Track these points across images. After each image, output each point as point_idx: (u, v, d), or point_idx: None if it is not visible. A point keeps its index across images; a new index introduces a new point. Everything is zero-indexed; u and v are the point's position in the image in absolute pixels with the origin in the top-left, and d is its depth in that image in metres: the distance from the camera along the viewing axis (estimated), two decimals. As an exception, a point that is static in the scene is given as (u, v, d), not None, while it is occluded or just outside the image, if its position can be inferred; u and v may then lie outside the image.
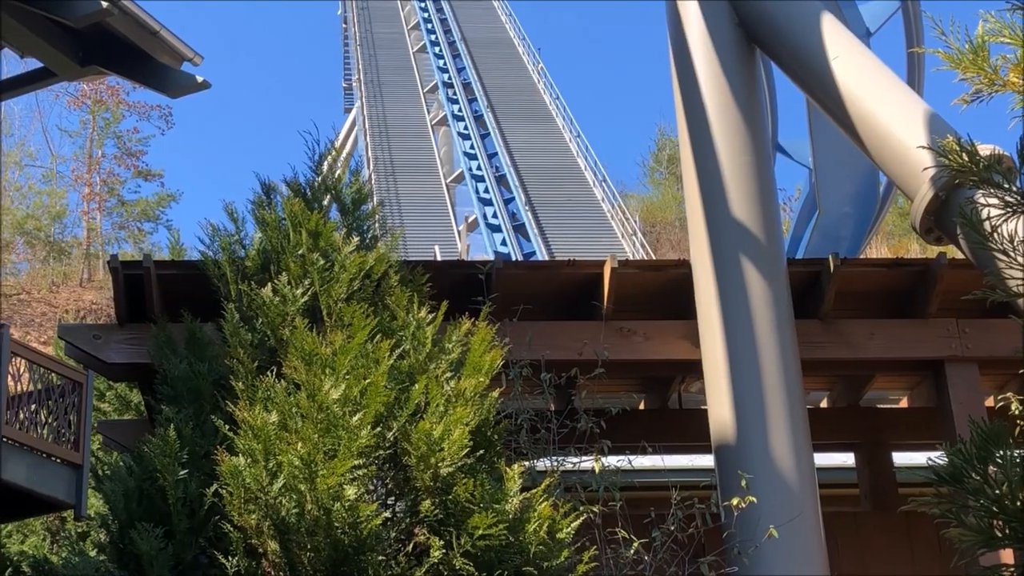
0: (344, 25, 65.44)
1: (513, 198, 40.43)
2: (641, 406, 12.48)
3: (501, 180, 41.89)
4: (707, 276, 9.62)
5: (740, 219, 9.61)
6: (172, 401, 7.09)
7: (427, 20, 57.28)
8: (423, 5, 59.37)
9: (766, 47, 9.96)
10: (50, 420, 10.47)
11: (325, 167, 7.89)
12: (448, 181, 43.55)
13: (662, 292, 10.33)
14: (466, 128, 46.11)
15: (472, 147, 44.40)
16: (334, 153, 8.06)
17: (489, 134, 45.51)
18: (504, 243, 36.82)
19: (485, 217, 38.86)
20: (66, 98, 47.23)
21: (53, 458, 10.38)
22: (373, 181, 40.65)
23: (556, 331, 9.80)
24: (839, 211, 16.64)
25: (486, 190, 41.07)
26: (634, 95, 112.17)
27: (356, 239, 7.27)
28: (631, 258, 32.00)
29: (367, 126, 46.87)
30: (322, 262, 7.11)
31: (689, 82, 10.12)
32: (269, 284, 7.17)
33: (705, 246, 9.71)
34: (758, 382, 9.17)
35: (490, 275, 9.51)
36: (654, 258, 35.38)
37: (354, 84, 53.73)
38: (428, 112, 49.41)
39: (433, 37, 55.18)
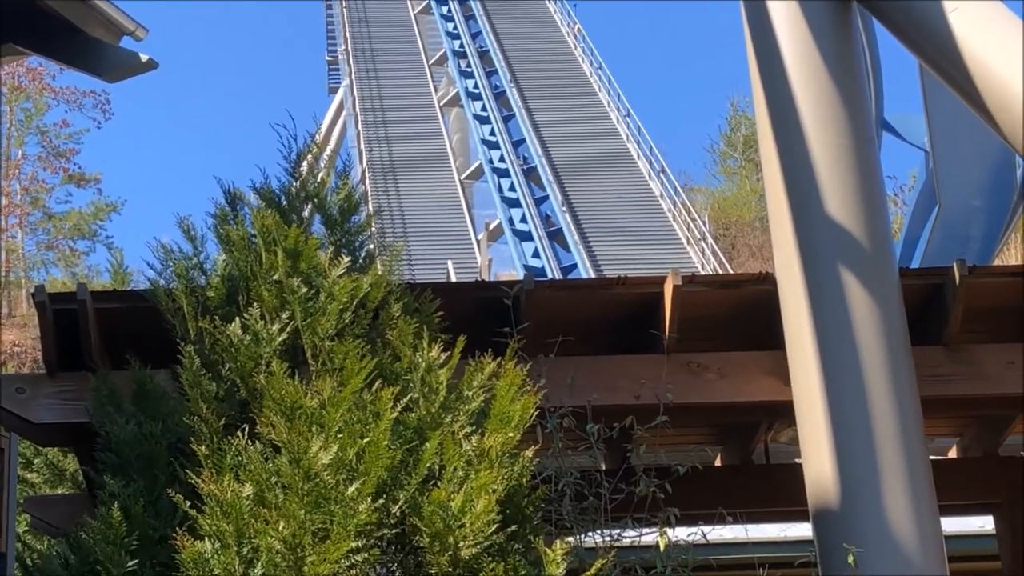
0: (325, -19, 66.00)
1: (547, 197, 40.57)
2: (717, 462, 12.47)
3: (531, 174, 42.05)
4: (797, 294, 9.61)
5: (838, 219, 9.60)
6: (117, 471, 7.13)
7: (431, -27, 57.66)
8: (426, -46, 59.78)
9: (866, 1, 9.97)
10: (-36, 495, 10.54)
11: (304, 168, 7.95)
12: (463, 177, 43.76)
13: (740, 315, 10.33)
14: (484, 109, 46.37)
15: (493, 133, 44.64)
16: (315, 150, 8.12)
17: (514, 116, 45.75)
18: (537, 255, 36.90)
19: (511, 222, 38.96)
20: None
21: (-33, 546, 10.45)
22: (367, 181, 40.87)
23: (605, 369, 9.81)
24: (966, 205, 16.56)
25: (512, 188, 41.21)
26: (697, 62, 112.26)
27: (346, 259, 7.31)
28: (699, 271, 32.05)
29: (358, 110, 47.23)
30: (304, 289, 7.15)
31: (767, 47, 10.13)
32: (237, 319, 7.22)
33: (794, 255, 9.70)
34: (867, 428, 9.14)
35: (518, 299, 9.53)
36: (728, 271, 35.37)
37: (340, 56, 54.07)
38: (435, 90, 49.73)
39: (440, -6, 55.58)
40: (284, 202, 7.82)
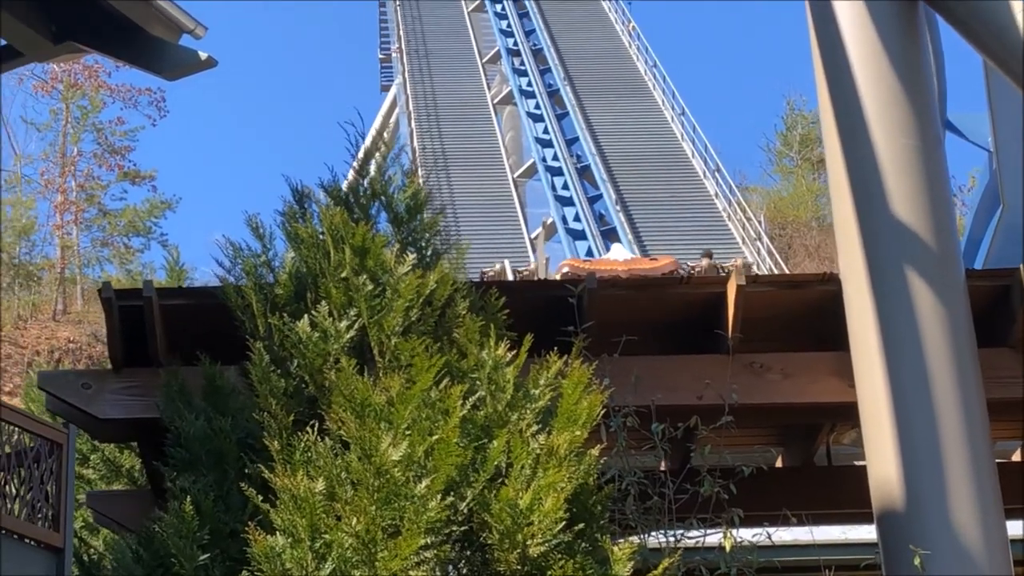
0: (378, -22, 66.16)
1: (600, 195, 40.50)
2: (778, 463, 12.46)
3: (584, 173, 41.99)
4: (862, 294, 9.59)
5: (904, 219, 9.58)
6: (188, 467, 7.23)
7: (485, -31, 57.66)
8: (479, -49, 59.81)
9: (937, 3, 9.93)
10: (22, 491, 10.63)
11: (372, 167, 8.02)
12: (516, 175, 43.73)
13: (804, 316, 10.33)
14: (538, 107, 46.33)
15: (546, 131, 44.59)
16: (383, 148, 8.19)
17: (568, 114, 45.68)
18: (590, 253, 36.83)
19: (565, 221, 38.94)
20: (32, 82, 48.08)
21: (26, 540, 10.55)
22: (419, 178, 40.81)
23: (668, 368, 9.84)
24: (1030, 202, 16.48)
25: (565, 186, 41.17)
26: (753, 59, 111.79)
27: (412, 256, 7.38)
28: (755, 271, 31.88)
29: (411, 107, 47.28)
30: (371, 286, 7.22)
31: (832, 45, 10.12)
32: (305, 316, 7.30)
33: (859, 255, 9.68)
34: (932, 430, 9.11)
35: (581, 298, 9.58)
36: (784, 271, 35.24)
37: (393, 55, 54.19)
38: (489, 88, 49.72)
39: (493, -10, 55.54)
40: (351, 200, 7.89)
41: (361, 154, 8.18)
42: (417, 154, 43.43)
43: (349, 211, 7.72)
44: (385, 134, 58.69)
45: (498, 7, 54.32)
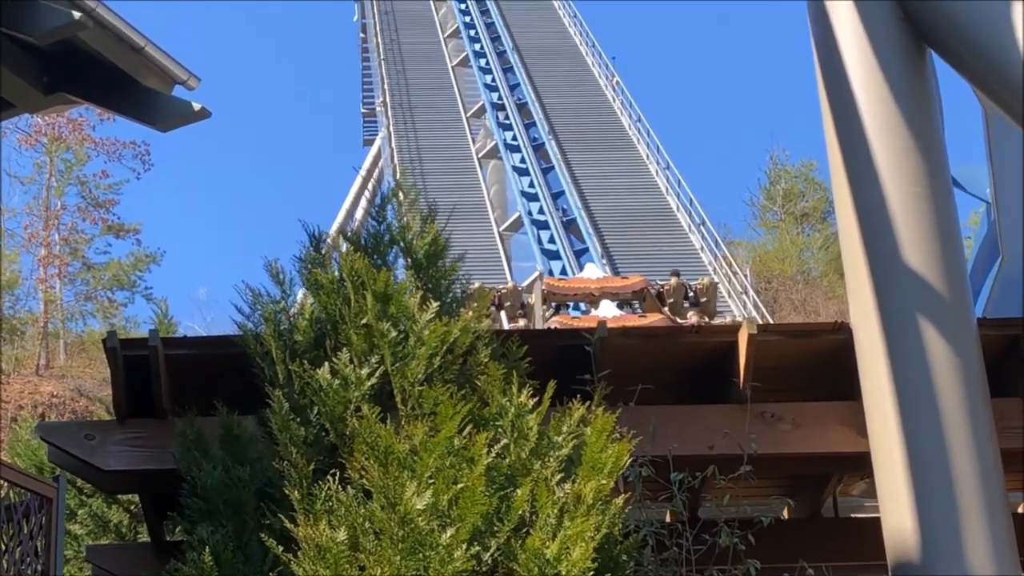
0: (362, 35, 66.39)
1: (586, 249, 40.55)
2: (785, 514, 12.37)
3: (570, 226, 42.02)
4: (874, 343, 9.54)
5: (915, 268, 9.54)
6: (205, 517, 7.11)
7: (469, 25, 57.91)
8: (463, 7, 60.09)
9: (942, 48, 9.94)
10: (11, 546, 10.47)
11: (389, 213, 7.96)
12: (501, 229, 43.74)
13: (814, 365, 10.28)
14: (523, 161, 46.41)
15: (532, 185, 44.65)
16: (401, 195, 8.13)
17: (553, 168, 45.77)
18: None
19: (552, 274, 38.93)
20: (16, 135, 47.93)
21: (14, 596, 10.39)
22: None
23: (680, 418, 9.78)
24: (1028, 252, 16.49)
25: (551, 239, 41.21)
26: (735, 114, 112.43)
27: (435, 304, 7.30)
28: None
29: (396, 160, 47.31)
30: (393, 333, 7.14)
31: (840, 92, 10.11)
32: (326, 363, 7.22)
33: (870, 303, 9.64)
34: (947, 480, 9.03)
35: (593, 346, 9.54)
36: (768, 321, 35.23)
37: (378, 108, 54.28)
38: (473, 141, 49.81)
39: (478, 47, 55.75)
40: (370, 246, 7.82)
41: (379, 201, 8.12)
42: (403, 207, 43.31)
43: (368, 257, 7.65)
44: (368, 186, 58.89)
45: (482, 62, 54.52)
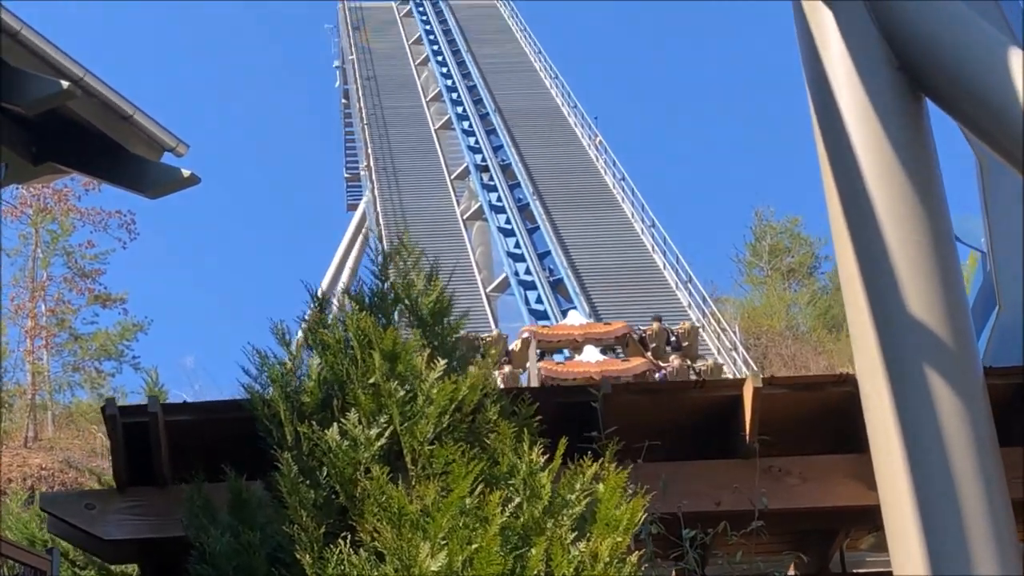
0: (344, 101, 66.67)
1: (574, 308, 40.46)
2: (791, 570, 12.25)
3: (557, 286, 41.99)
4: (881, 395, 9.41)
5: (920, 317, 9.46)
6: (214, 583, 6.99)
7: (451, 89, 58.16)
8: (445, 70, 60.39)
9: (940, 95, 9.91)
10: (5, 618, 10.34)
11: (392, 272, 7.89)
12: (488, 290, 43.71)
13: (820, 418, 10.20)
14: (508, 222, 46.45)
15: (518, 245, 44.66)
16: (405, 253, 8.07)
17: (538, 228, 45.81)
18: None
19: (541, 335, 38.87)
20: (1, 207, 47.83)
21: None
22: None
23: (689, 474, 9.69)
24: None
25: (539, 300, 41.15)
26: (718, 172, 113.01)
27: (443, 362, 7.22)
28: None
29: (382, 223, 47.31)
30: (402, 392, 7.06)
31: (838, 142, 10.00)
32: (334, 424, 7.12)
33: (876, 355, 9.52)
34: (959, 533, 8.87)
35: (594, 402, 9.45)
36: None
37: (362, 172, 54.40)
38: (458, 203, 49.87)
39: (460, 109, 55.96)
40: (374, 304, 7.75)
41: (382, 259, 8.06)
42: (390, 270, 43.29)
43: (373, 316, 7.57)
44: (354, 251, 58.91)
45: (465, 124, 54.72)
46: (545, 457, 7.15)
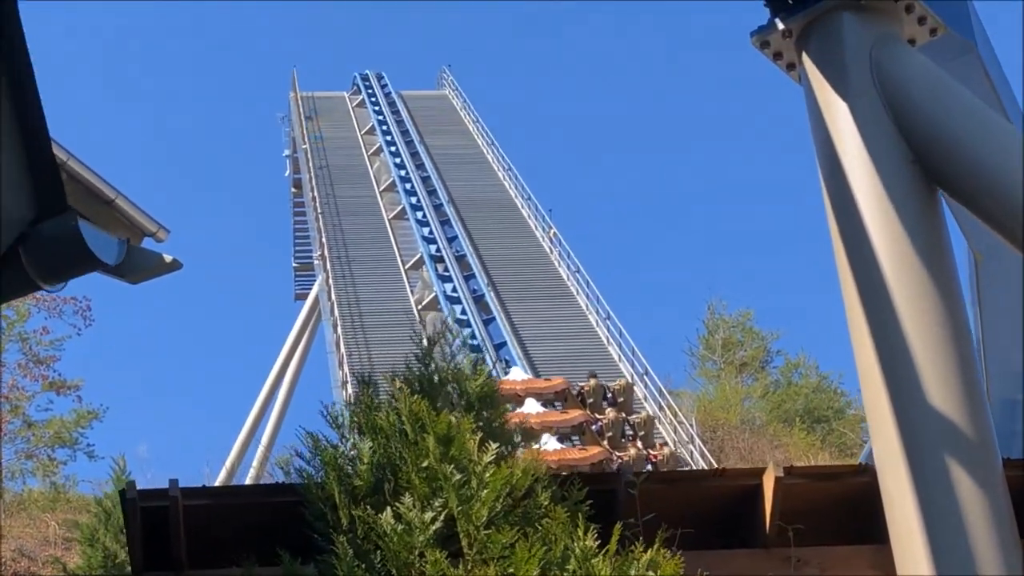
0: (294, 190, 66.60)
1: (516, 366, 40.55)
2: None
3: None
4: (901, 485, 9.47)
5: (940, 409, 9.53)
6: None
7: (405, 179, 58.28)
8: (398, 161, 60.52)
9: (954, 187, 10.05)
10: None
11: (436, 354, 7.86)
12: (445, 380, 43.52)
13: (838, 508, 10.19)
14: (464, 312, 46.42)
15: (474, 336, 44.59)
16: (452, 334, 8.05)
17: (494, 319, 45.82)
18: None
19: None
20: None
21: None
22: (349, 387, 40.89)
23: (709, 564, 9.56)
24: (1009, 398, 16.59)
25: (496, 390, 41.06)
26: (670, 270, 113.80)
27: (494, 445, 7.17)
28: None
29: (337, 313, 47.16)
30: (457, 476, 6.99)
31: (854, 235, 10.16)
32: (388, 508, 7.04)
33: (894, 445, 9.59)
34: (983, 628, 8.93)
35: (615, 492, 9.39)
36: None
37: (316, 262, 54.30)
38: (412, 293, 49.81)
39: (415, 200, 56.07)
40: (424, 388, 7.71)
41: (425, 343, 8.03)
42: (345, 362, 43.26)
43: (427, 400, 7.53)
44: (302, 342, 58.67)
45: (419, 215, 54.80)
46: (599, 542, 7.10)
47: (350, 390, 40.71)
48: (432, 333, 8.19)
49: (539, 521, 7.18)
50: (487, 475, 7.04)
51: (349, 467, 7.51)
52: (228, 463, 48.46)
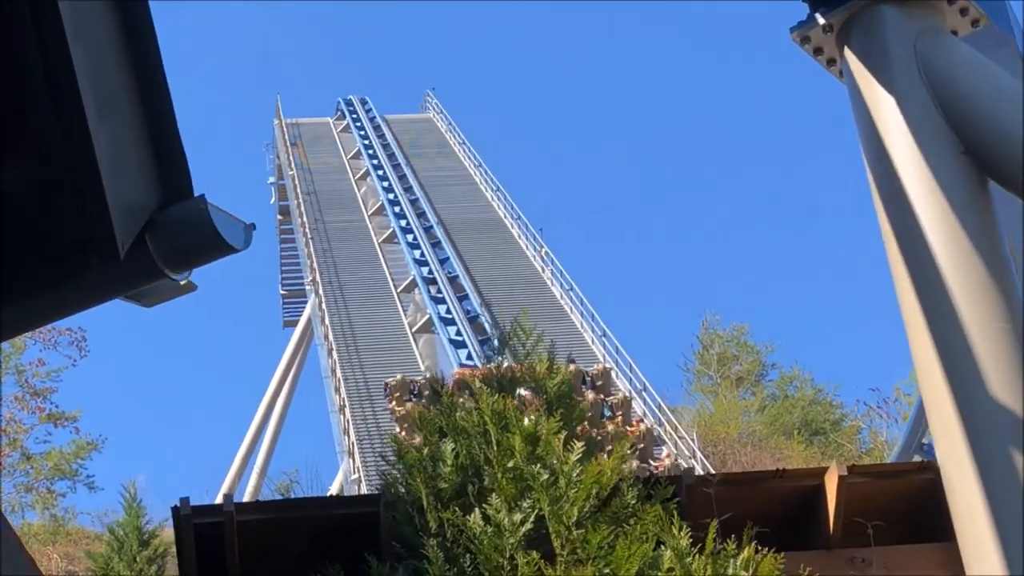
0: (280, 217, 66.32)
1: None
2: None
3: (513, 396, 41.73)
4: (967, 482, 9.30)
5: (1005, 403, 9.38)
6: None
7: (394, 202, 58.05)
8: (386, 185, 60.30)
9: (1005, 178, 9.91)
10: None
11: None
12: (442, 402, 43.27)
13: (902, 507, 10.03)
14: (459, 333, 46.20)
15: (470, 357, 44.34)
16: (529, 335, 7.86)
17: (489, 339, 45.52)
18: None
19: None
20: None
21: None
22: (346, 410, 40.68)
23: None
24: None
25: (495, 409, 40.84)
26: (662, 288, 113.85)
27: (580, 444, 6.97)
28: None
29: (331, 338, 46.87)
30: (545, 475, 6.79)
31: (908, 230, 10.00)
32: (476, 510, 6.83)
33: (959, 441, 9.42)
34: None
35: (675, 492, 9.23)
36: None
37: (307, 287, 54.06)
38: (405, 315, 49.55)
39: (404, 223, 55.84)
40: (503, 387, 7.51)
41: (499, 336, 7.85)
42: (342, 386, 43.03)
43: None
44: (294, 367, 58.38)
45: (410, 237, 54.58)
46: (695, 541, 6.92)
47: (348, 415, 40.49)
48: (502, 333, 7.97)
49: (627, 520, 6.98)
50: (575, 474, 6.84)
51: (431, 468, 7.31)
52: (224, 488, 48.08)
